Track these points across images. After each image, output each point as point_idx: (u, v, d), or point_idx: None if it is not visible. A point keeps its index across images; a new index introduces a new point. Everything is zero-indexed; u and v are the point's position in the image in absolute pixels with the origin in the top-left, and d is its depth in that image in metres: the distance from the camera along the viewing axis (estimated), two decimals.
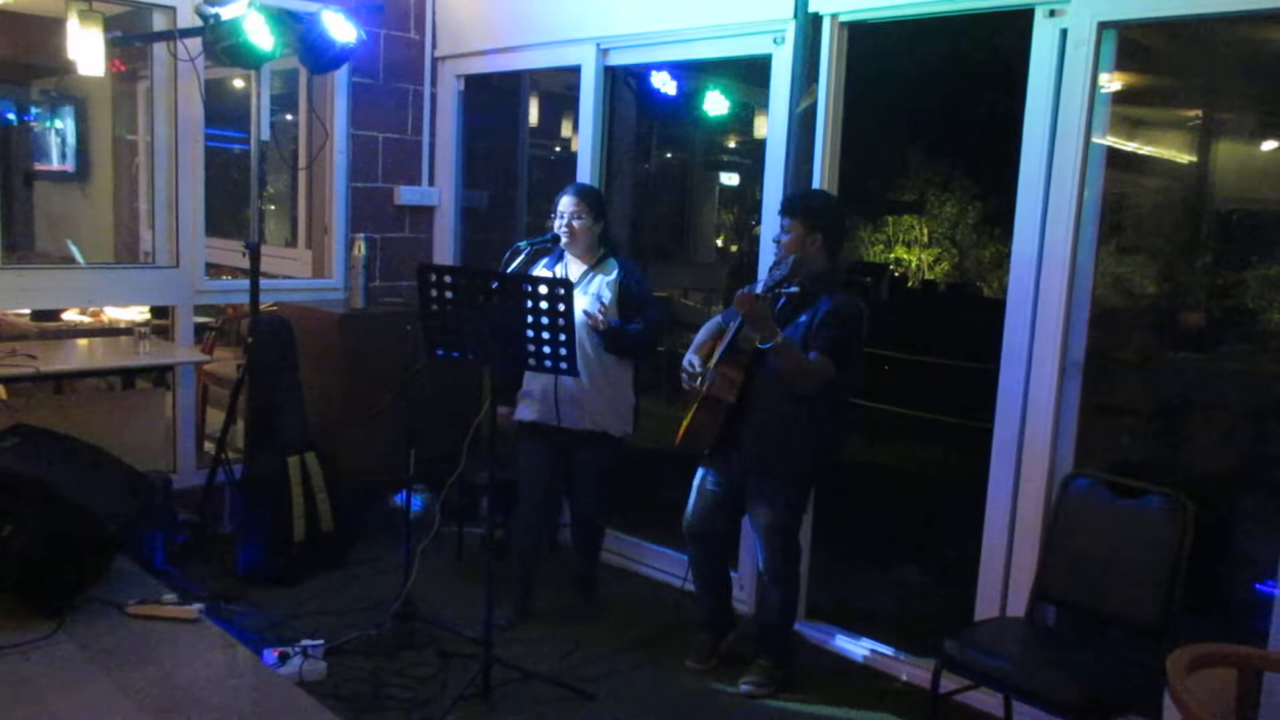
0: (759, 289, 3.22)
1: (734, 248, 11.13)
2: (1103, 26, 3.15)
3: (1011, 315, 3.39)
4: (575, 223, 3.76)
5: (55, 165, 7.44)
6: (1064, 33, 3.21)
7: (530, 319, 3.19)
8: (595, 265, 3.84)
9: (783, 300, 3.35)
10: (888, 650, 3.79)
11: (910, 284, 12.37)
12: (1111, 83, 3.32)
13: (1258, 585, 3.40)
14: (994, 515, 3.46)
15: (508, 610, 3.96)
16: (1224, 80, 4.61)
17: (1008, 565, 3.44)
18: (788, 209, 3.44)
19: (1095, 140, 3.25)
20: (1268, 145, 4.86)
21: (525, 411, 3.87)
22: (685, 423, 3.53)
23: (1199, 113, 5.08)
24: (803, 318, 3.31)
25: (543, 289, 3.15)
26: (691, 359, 3.52)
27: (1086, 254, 3.30)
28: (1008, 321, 3.40)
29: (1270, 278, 4.99)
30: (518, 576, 4.04)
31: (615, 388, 3.81)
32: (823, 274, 3.37)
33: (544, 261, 3.91)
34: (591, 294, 3.75)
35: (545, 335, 3.20)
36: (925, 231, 12.82)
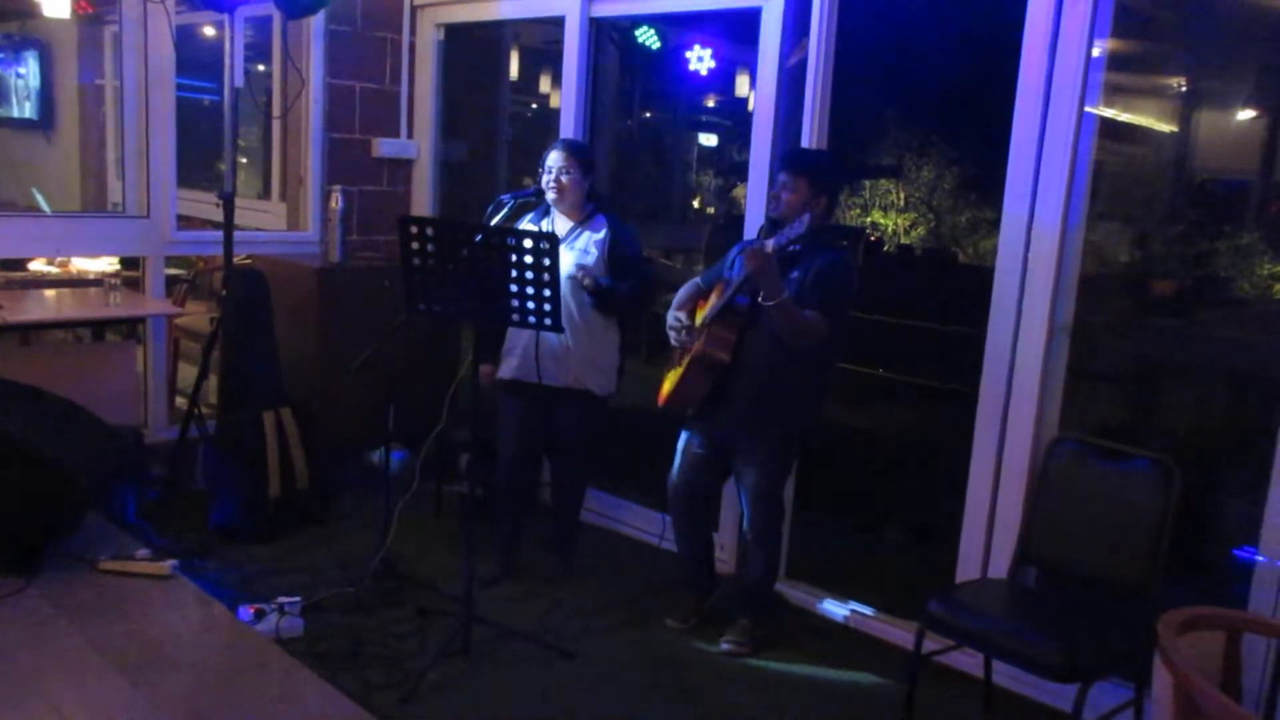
0: (770, 246, 3.07)
1: (709, 210, 11.05)
2: None
3: (1001, 279, 3.35)
4: (564, 178, 3.68)
5: (18, 112, 7.25)
6: None
7: (514, 274, 3.13)
8: (583, 221, 3.77)
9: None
10: (868, 610, 3.80)
11: (886, 248, 12.35)
12: (1105, 47, 3.28)
13: (1236, 551, 3.43)
14: (977, 477, 3.45)
15: (493, 566, 3.95)
16: (1211, 47, 4.58)
17: (990, 527, 3.44)
18: (793, 166, 3.33)
19: (1089, 108, 3.21)
20: (1245, 114, 4.85)
21: (506, 369, 3.82)
22: (670, 383, 3.48)
23: (1182, 80, 5.06)
24: (794, 274, 3.26)
25: (527, 243, 3.08)
26: (678, 315, 3.47)
27: (1076, 219, 3.27)
28: (996, 285, 3.37)
29: (1241, 246, 5.04)
30: (502, 534, 4.01)
31: (599, 345, 3.75)
32: (816, 231, 3.31)
33: (529, 216, 3.84)
34: (578, 249, 3.69)
35: (530, 291, 3.14)
36: (902, 196, 12.78)
